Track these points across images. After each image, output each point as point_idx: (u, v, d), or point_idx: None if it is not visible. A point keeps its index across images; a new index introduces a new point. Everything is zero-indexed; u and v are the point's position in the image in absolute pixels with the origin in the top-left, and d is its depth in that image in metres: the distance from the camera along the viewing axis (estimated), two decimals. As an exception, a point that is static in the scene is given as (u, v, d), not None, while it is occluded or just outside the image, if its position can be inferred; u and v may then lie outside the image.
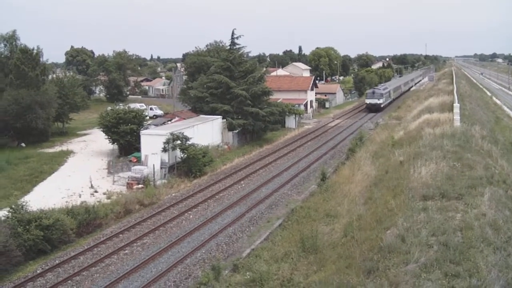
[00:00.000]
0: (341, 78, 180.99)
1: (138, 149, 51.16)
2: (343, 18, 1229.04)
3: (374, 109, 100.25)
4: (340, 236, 25.14)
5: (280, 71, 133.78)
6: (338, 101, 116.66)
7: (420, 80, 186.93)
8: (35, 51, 69.34)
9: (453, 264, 15.85)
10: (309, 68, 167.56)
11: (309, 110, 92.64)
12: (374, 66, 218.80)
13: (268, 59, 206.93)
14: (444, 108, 55.38)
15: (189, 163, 46.43)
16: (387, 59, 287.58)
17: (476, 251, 16.62)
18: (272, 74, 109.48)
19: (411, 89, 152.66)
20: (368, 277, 17.02)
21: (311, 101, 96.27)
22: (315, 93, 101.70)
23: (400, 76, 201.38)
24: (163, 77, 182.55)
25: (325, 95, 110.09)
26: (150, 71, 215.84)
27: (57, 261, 27.62)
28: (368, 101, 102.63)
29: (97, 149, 61.03)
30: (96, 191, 41.18)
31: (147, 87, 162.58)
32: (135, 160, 50.68)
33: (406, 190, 25.07)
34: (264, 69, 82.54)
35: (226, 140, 60.38)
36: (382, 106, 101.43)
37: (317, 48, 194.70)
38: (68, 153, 59.02)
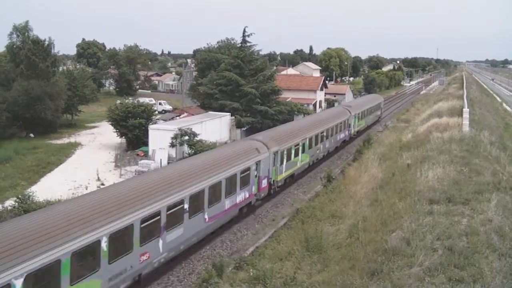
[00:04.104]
0: (351, 79, 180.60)
1: (146, 144, 51.36)
2: (356, 19, 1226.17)
3: None
4: (345, 237, 25.08)
5: (290, 70, 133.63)
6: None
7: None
8: (46, 42, 69.67)
9: (458, 269, 15.78)
10: (319, 68, 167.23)
11: (318, 110, 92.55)
12: (385, 68, 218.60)
13: (278, 57, 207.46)
14: (453, 113, 55.11)
15: (196, 159, 46.46)
16: (398, 62, 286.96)
17: (481, 256, 16.54)
18: (282, 73, 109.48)
19: None
20: (372, 279, 16.98)
21: (320, 101, 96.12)
22: (325, 93, 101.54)
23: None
24: (173, 73, 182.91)
25: (335, 96, 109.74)
26: (160, 66, 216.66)
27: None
28: None
29: (105, 142, 61.22)
30: (102, 184, 41.29)
31: (156, 82, 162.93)
32: (142, 154, 50.88)
33: (412, 193, 24.99)
34: (274, 67, 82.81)
35: (234, 137, 60.42)
36: None
37: (328, 48, 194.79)
38: (76, 145, 59.28)
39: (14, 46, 73.87)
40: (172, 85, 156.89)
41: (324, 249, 24.56)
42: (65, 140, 62.80)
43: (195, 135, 47.60)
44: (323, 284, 19.24)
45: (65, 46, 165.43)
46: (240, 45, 70.64)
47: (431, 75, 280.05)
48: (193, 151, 46.02)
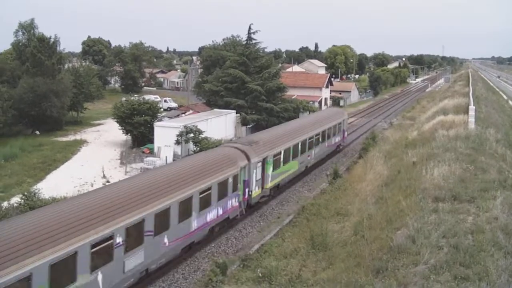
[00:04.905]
0: (357, 76, 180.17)
1: (151, 141, 51.41)
2: (361, 16, 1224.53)
3: None
4: (350, 235, 25.06)
5: (296, 68, 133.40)
6: (352, 100, 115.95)
7: None
8: (52, 39, 69.80)
9: (463, 267, 15.74)
10: (325, 65, 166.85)
11: (324, 107, 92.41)
12: (390, 66, 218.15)
13: (284, 55, 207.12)
14: (459, 110, 54.80)
15: (202, 156, 46.47)
16: (403, 59, 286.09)
17: (486, 254, 16.48)
18: (287, 70, 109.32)
19: None
20: (377, 276, 16.96)
21: (325, 99, 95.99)
22: (330, 90, 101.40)
23: None
24: (179, 70, 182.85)
25: (340, 93, 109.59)
26: (166, 64, 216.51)
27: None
28: None
29: (110, 139, 61.35)
30: (108, 181, 41.38)
31: (162, 79, 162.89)
32: (148, 152, 50.92)
33: (417, 191, 24.91)
34: (280, 65, 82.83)
35: (239, 134, 60.42)
36: None
37: (334, 45, 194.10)
38: (81, 143, 59.45)
39: (20, 44, 74.11)
40: (177, 83, 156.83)
41: (329, 246, 24.58)
42: (70, 138, 62.97)
43: (200, 132, 47.63)
44: (328, 282, 19.25)
45: (70, 44, 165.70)
46: (245, 42, 70.62)
47: (436, 72, 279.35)
48: (198, 148, 46.07)
